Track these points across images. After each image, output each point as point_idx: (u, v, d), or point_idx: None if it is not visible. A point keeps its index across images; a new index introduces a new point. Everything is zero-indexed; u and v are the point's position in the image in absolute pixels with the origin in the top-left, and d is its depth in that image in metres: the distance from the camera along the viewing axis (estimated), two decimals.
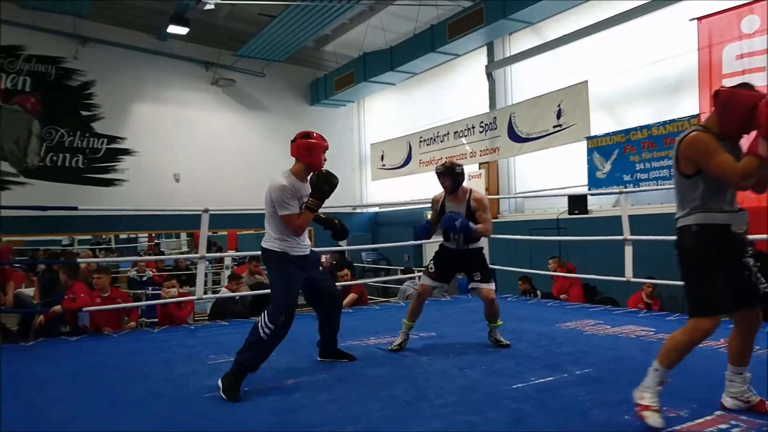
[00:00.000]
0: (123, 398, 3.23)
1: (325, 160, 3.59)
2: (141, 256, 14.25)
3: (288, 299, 3.41)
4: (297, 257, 3.52)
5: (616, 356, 3.82)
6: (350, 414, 2.80)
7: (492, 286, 4.28)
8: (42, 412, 3.05)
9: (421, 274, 4.64)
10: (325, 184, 3.45)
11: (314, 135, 3.57)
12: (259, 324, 3.30)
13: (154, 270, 12.15)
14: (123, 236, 15.17)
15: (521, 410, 2.77)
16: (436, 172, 4.33)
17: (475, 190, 4.35)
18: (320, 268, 3.88)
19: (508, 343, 4.28)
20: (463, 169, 4.33)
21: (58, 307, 5.22)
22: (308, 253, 3.63)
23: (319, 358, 3.96)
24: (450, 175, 4.22)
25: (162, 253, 15.01)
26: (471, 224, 4.09)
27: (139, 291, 10.76)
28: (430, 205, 4.60)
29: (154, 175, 12.99)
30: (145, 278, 11.49)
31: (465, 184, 6.58)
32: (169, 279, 6.53)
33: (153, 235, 15.22)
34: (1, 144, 11.63)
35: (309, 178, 3.54)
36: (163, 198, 12.44)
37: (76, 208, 5.63)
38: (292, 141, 3.59)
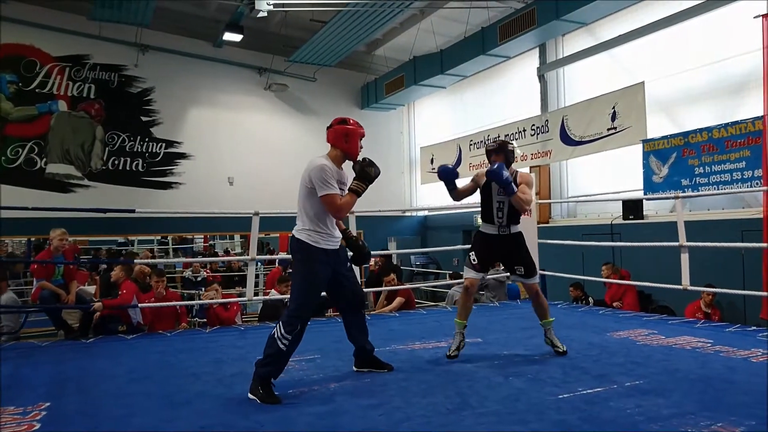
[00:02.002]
0: (176, 397, 3.34)
1: (361, 147, 3.56)
2: (195, 257, 14.65)
3: (306, 303, 3.36)
4: (326, 250, 3.44)
5: (669, 368, 3.69)
6: (391, 420, 2.80)
7: (536, 280, 4.23)
8: (101, 407, 3.19)
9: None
10: (372, 167, 3.43)
11: (351, 121, 3.54)
12: (276, 336, 3.27)
13: (208, 270, 12.49)
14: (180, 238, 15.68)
15: (566, 422, 2.71)
16: (487, 150, 4.24)
17: (520, 173, 4.21)
18: (348, 265, 3.71)
19: (565, 349, 4.16)
20: (515, 147, 4.26)
21: (99, 304, 5.45)
22: (338, 247, 3.56)
23: (354, 368, 3.81)
24: (502, 152, 4.16)
25: (216, 254, 15.42)
26: (513, 185, 3.95)
27: (193, 291, 11.07)
28: (475, 209, 4.52)
29: (209, 178, 13.36)
30: (199, 278, 11.83)
31: None
32: (211, 283, 6.74)
33: (208, 236, 15.66)
34: (68, 149, 12.21)
35: (352, 165, 3.49)
36: (217, 201, 12.79)
37: (133, 211, 5.85)
38: (328, 127, 3.56)
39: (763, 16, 7.23)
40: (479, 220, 4.44)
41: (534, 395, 3.16)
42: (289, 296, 6.80)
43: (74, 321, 6.05)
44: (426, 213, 15.77)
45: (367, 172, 3.41)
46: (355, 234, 3.85)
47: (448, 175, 4.24)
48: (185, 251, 16.04)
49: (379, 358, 3.84)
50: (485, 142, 12.38)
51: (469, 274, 4.21)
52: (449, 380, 3.53)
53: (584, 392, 3.18)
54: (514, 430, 2.64)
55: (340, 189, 3.44)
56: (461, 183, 4.34)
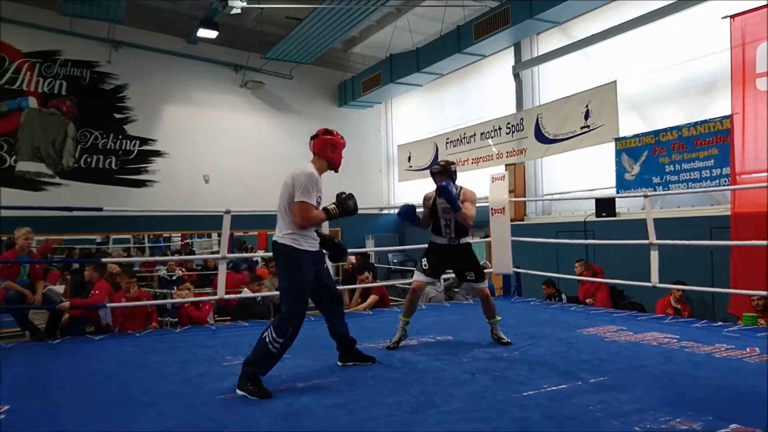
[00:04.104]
0: (140, 398, 3.30)
1: (341, 158, 3.70)
2: (172, 256, 14.48)
3: (297, 309, 3.40)
4: (309, 252, 3.51)
5: (634, 364, 3.74)
6: (355, 419, 2.80)
7: (485, 284, 4.55)
8: (61, 409, 3.13)
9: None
10: (351, 201, 3.57)
11: (335, 133, 3.69)
12: (267, 338, 3.30)
13: (183, 269, 12.36)
14: (156, 236, 15.49)
15: (528, 419, 2.73)
16: (432, 173, 4.61)
17: (466, 188, 4.57)
18: (325, 265, 3.86)
19: (509, 340, 4.46)
20: (455, 167, 4.63)
21: (65, 304, 5.36)
22: (317, 249, 3.63)
23: (339, 363, 3.91)
24: (446, 173, 4.53)
25: (193, 253, 15.26)
26: (459, 203, 4.32)
27: (167, 290, 10.94)
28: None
29: (184, 176, 13.21)
30: (174, 277, 11.70)
31: (489, 184, 6.69)
32: (184, 282, 6.65)
33: (186, 235, 15.49)
34: (38, 146, 11.99)
35: (338, 194, 3.61)
36: (192, 199, 12.67)
37: (101, 209, 5.75)
38: (312, 137, 3.65)
39: (731, 16, 7.36)
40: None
41: (499, 393, 3.18)
42: (261, 295, 6.79)
43: (42, 322, 5.94)
44: None
45: (345, 203, 3.56)
46: (328, 232, 3.96)
47: (407, 216, 4.51)
48: (162, 250, 15.88)
49: (361, 351, 3.97)
50: (461, 140, 12.44)
51: (418, 277, 4.57)
52: (417, 378, 3.54)
53: (549, 389, 3.20)
54: (475, 428, 2.65)
55: (318, 200, 3.52)
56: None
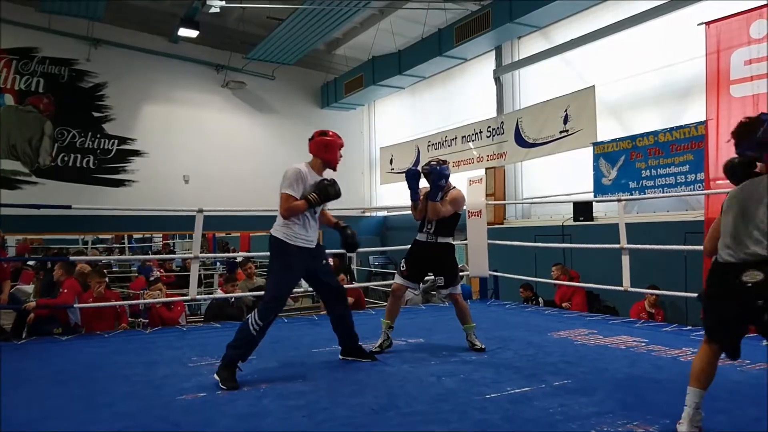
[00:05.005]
0: (99, 399, 3.25)
1: (341, 156, 3.87)
2: (152, 256, 14.34)
3: (280, 294, 3.62)
4: (301, 248, 3.66)
5: (599, 367, 3.75)
6: (313, 421, 2.77)
7: (455, 290, 4.43)
8: (14, 410, 3.06)
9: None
10: (333, 188, 3.68)
11: (330, 133, 3.84)
12: (250, 321, 3.50)
13: (161, 270, 12.23)
14: (138, 236, 15.34)
15: (487, 421, 2.72)
16: (423, 172, 4.40)
17: (455, 190, 4.48)
18: (324, 262, 3.98)
19: (483, 346, 4.36)
20: (447, 167, 4.42)
21: (32, 303, 5.27)
22: (314, 246, 3.77)
23: (340, 357, 4.08)
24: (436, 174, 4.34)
25: (174, 254, 15.11)
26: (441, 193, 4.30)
27: (140, 291, 10.82)
28: None
29: (164, 176, 13.06)
30: (152, 278, 11.57)
31: (466, 187, 6.58)
32: (156, 282, 6.60)
33: (168, 236, 15.35)
34: (14, 144, 11.81)
35: (318, 182, 3.71)
36: (171, 199, 12.53)
37: (69, 207, 5.64)
38: (309, 139, 3.84)
39: (706, 23, 7.43)
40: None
41: (462, 395, 3.17)
42: (234, 295, 6.73)
43: (8, 322, 5.84)
44: (386, 213, 15.76)
45: (325, 188, 3.67)
46: (344, 224, 4.08)
47: (411, 176, 4.44)
48: (143, 250, 15.72)
49: (362, 348, 4.10)
50: (443, 143, 12.46)
51: (397, 279, 4.52)
52: (382, 380, 3.52)
53: (512, 392, 3.20)
54: (433, 429, 2.63)
55: (309, 194, 3.66)
56: (421, 182, 4.46)
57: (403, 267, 4.49)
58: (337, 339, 4.10)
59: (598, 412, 2.82)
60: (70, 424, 2.85)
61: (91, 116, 12.57)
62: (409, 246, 4.62)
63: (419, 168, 4.49)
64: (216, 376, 3.41)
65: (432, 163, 4.39)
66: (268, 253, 3.81)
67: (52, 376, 3.79)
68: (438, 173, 4.25)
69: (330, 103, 15.06)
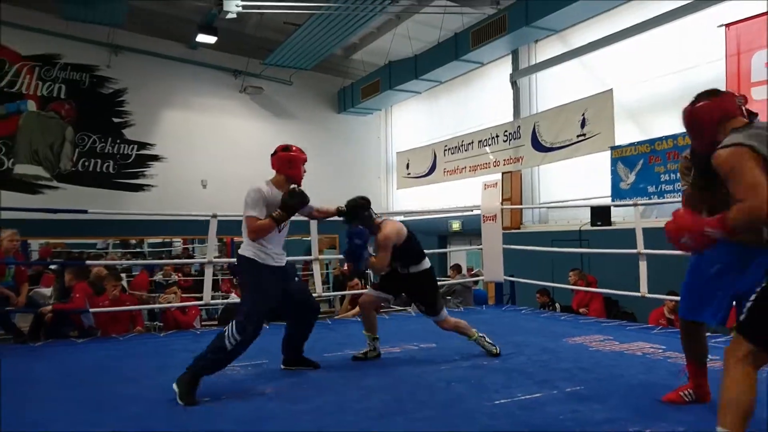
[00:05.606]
0: (106, 402, 3.25)
1: (304, 171, 3.69)
2: (172, 260, 14.45)
3: (258, 310, 3.40)
4: (271, 267, 3.50)
5: (614, 374, 3.66)
6: (320, 425, 2.74)
7: (440, 317, 4.15)
8: (22, 410, 3.08)
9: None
10: (294, 198, 3.48)
11: (294, 148, 3.68)
12: (226, 333, 3.29)
13: (179, 274, 12.33)
14: (158, 241, 15.48)
15: (495, 427, 2.67)
16: (340, 212, 4.11)
17: (386, 223, 4.07)
18: (296, 279, 3.88)
19: (498, 351, 4.24)
20: (365, 205, 4.08)
21: (48, 308, 5.33)
22: (284, 264, 3.63)
23: (282, 366, 3.88)
24: (356, 218, 4.05)
25: (193, 258, 15.19)
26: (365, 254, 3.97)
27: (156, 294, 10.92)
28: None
29: (182, 180, 13.22)
30: (170, 282, 11.67)
31: (481, 191, 6.35)
32: (172, 285, 6.63)
33: (187, 239, 15.47)
34: (36, 149, 12.02)
35: (283, 195, 3.51)
36: (190, 203, 12.61)
37: (85, 212, 5.71)
38: (272, 154, 3.69)
39: (725, 25, 7.32)
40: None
41: (472, 401, 3.12)
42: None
43: (27, 325, 5.91)
44: (402, 218, 15.73)
45: (286, 203, 3.45)
46: (342, 207, 4.05)
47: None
48: (163, 254, 15.85)
49: (306, 357, 3.94)
50: (459, 148, 12.41)
51: (368, 291, 4.40)
52: (391, 385, 3.48)
53: (522, 398, 3.14)
54: None
55: (274, 212, 3.47)
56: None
57: (375, 279, 4.30)
58: (285, 349, 3.90)
59: (611, 418, 2.75)
60: (73, 425, 2.85)
61: (111, 122, 12.77)
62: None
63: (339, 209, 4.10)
64: (175, 387, 3.13)
65: (342, 212, 4.05)
66: None
67: (62, 379, 3.82)
68: (350, 248, 3.94)
69: (347, 108, 15.10)
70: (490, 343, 4.28)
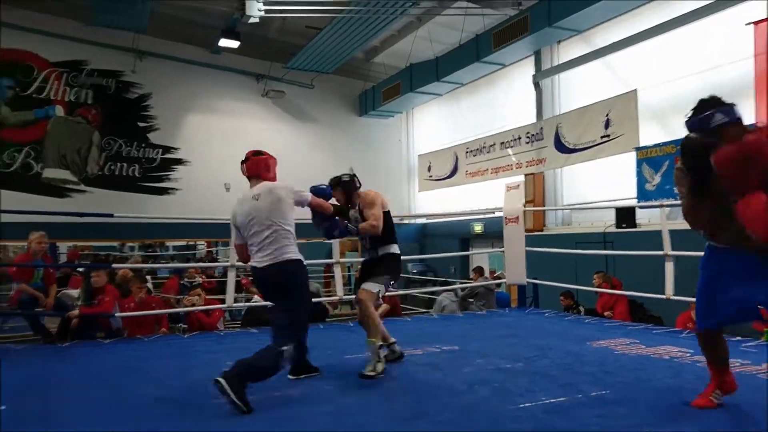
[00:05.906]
0: (132, 401, 3.30)
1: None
2: (196, 263, 14.61)
3: (306, 321, 3.58)
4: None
5: (641, 378, 3.60)
6: (341, 426, 2.75)
7: (371, 287, 3.85)
8: (49, 410, 3.14)
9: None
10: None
11: (264, 152, 3.72)
12: (277, 354, 3.19)
13: (203, 276, 12.45)
14: (182, 244, 15.66)
15: (519, 431, 2.64)
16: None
17: (366, 192, 4.05)
18: None
19: (375, 373, 3.62)
20: (350, 176, 4.12)
21: (74, 312, 5.41)
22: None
23: (290, 376, 3.67)
24: (339, 187, 4.08)
25: (216, 261, 15.36)
26: (343, 228, 3.93)
27: (180, 297, 11.03)
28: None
29: (206, 184, 13.35)
30: (195, 284, 11.77)
31: (504, 193, 6.30)
32: (196, 287, 6.71)
33: (211, 242, 15.64)
34: (64, 153, 12.25)
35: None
36: (213, 207, 12.73)
37: (111, 216, 5.83)
38: (243, 161, 3.68)
39: (754, 23, 7.17)
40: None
41: (495, 404, 3.09)
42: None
43: (55, 326, 6.02)
44: (424, 221, 15.71)
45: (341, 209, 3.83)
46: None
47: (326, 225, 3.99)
48: (186, 258, 16.04)
49: (309, 362, 3.80)
50: (481, 150, 12.34)
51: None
52: (413, 388, 3.47)
53: (546, 402, 3.10)
54: None
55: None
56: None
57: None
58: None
59: (637, 423, 2.71)
60: (100, 424, 2.90)
61: (136, 126, 12.97)
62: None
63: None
64: (227, 386, 2.92)
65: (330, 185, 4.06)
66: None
67: (89, 379, 3.88)
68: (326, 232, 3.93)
69: (368, 110, 15.14)
70: (381, 359, 3.73)
